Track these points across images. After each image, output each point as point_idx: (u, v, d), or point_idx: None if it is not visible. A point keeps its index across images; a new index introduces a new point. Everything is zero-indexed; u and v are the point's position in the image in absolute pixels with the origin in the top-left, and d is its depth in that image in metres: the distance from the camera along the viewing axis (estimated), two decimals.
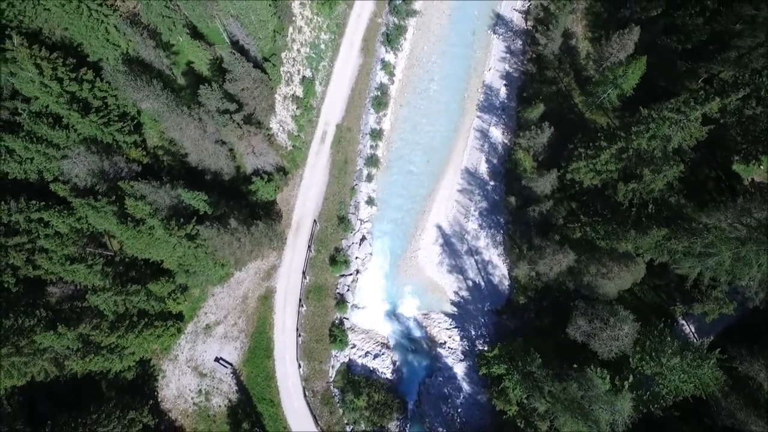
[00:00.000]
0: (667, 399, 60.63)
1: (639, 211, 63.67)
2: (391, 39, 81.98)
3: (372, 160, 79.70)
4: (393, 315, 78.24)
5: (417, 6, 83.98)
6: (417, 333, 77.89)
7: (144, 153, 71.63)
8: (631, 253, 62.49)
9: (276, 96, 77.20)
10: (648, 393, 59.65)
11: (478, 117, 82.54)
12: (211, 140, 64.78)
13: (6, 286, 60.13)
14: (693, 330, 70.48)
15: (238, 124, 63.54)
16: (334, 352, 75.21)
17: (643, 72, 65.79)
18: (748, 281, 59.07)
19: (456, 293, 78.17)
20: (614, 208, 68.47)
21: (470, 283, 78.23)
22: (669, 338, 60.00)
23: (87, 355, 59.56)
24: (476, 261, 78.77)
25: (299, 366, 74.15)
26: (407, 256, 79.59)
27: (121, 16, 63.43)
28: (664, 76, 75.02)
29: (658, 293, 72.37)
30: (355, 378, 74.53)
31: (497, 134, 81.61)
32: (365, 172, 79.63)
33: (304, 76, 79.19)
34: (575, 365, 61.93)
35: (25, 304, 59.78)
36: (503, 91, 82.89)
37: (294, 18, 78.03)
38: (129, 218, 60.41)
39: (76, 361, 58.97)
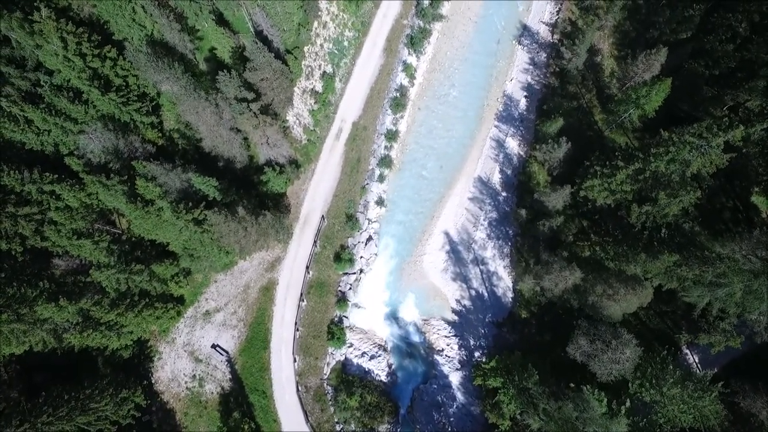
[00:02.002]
0: (664, 428, 59.45)
1: (651, 235, 62.56)
2: (415, 42, 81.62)
3: (385, 161, 79.40)
4: (393, 318, 77.73)
5: (444, 11, 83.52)
6: (415, 338, 77.28)
7: (160, 135, 71.98)
8: (639, 277, 61.39)
9: (295, 89, 77.25)
10: (645, 420, 58.46)
11: (495, 126, 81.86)
12: (226, 127, 64.93)
13: (13, 254, 60.60)
14: (696, 360, 69.01)
15: (254, 113, 63.63)
16: (330, 350, 74.87)
17: (667, 94, 64.72)
18: (758, 315, 57.77)
19: (458, 301, 77.47)
20: (626, 230, 67.37)
21: (473, 293, 77.48)
22: (671, 366, 58.78)
23: (85, 330, 59.91)
24: (481, 271, 78.00)
25: (294, 360, 73.91)
26: (412, 260, 79.08)
27: None
28: (687, 100, 73.75)
29: (664, 320, 71.03)
30: (349, 377, 74.12)
31: (513, 145, 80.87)
32: (377, 172, 79.34)
33: (324, 72, 79.15)
34: (572, 384, 60.94)
35: (29, 274, 60.23)
36: (523, 103, 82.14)
37: (320, 13, 78.09)
38: (138, 198, 60.70)
39: (74, 335, 59.32)
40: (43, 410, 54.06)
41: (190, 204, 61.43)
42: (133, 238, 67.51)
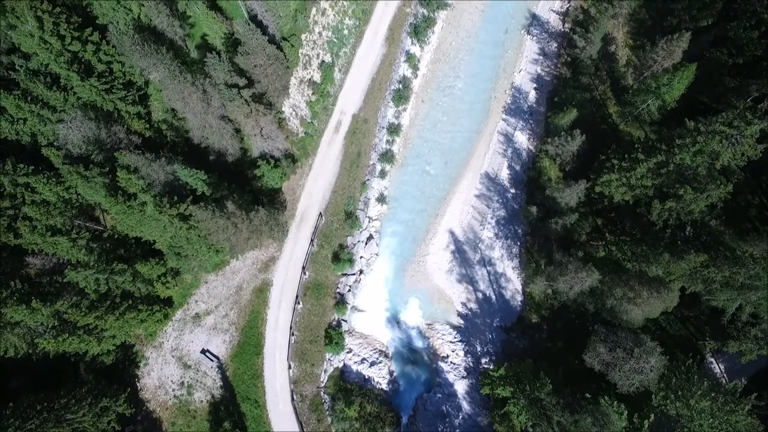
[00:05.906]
0: None
1: (674, 233, 57.83)
2: (419, 31, 77.42)
3: (387, 156, 75.00)
4: (395, 322, 73.10)
5: None
6: (418, 344, 72.62)
7: (147, 126, 67.52)
8: (662, 278, 56.62)
9: (291, 79, 72.91)
10: None
11: (503, 120, 77.47)
12: (216, 115, 60.37)
13: None
14: (722, 370, 64.21)
15: (245, 100, 59.10)
16: (328, 356, 70.24)
17: (690, 82, 60.24)
18: None
19: (464, 305, 72.82)
20: (645, 228, 62.75)
21: (480, 296, 72.85)
22: (697, 377, 53.97)
23: (61, 335, 55.12)
24: (488, 272, 73.40)
25: (289, 367, 69.29)
26: (415, 260, 74.50)
27: None
28: (708, 91, 69.40)
29: (686, 325, 66.30)
30: (348, 385, 69.44)
31: (522, 139, 76.43)
32: (378, 167, 74.91)
33: (323, 61, 74.82)
34: (588, 395, 56.19)
35: (0, 273, 55.69)
36: (533, 95, 77.77)
37: None
38: (120, 192, 56.16)
39: (48, 339, 54.50)
40: (10, 423, 49.18)
41: (176, 198, 56.84)
42: (117, 236, 62.91)
